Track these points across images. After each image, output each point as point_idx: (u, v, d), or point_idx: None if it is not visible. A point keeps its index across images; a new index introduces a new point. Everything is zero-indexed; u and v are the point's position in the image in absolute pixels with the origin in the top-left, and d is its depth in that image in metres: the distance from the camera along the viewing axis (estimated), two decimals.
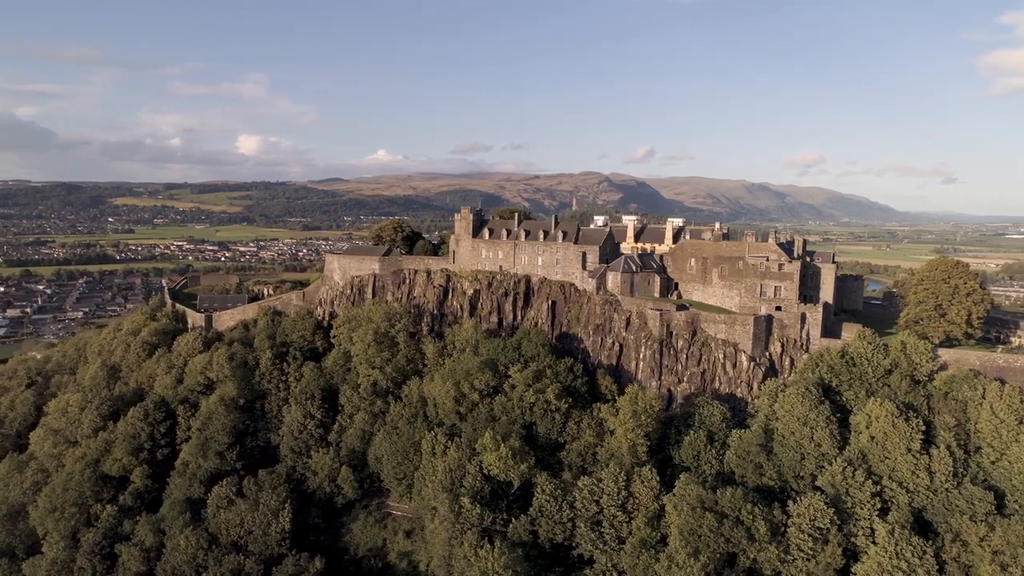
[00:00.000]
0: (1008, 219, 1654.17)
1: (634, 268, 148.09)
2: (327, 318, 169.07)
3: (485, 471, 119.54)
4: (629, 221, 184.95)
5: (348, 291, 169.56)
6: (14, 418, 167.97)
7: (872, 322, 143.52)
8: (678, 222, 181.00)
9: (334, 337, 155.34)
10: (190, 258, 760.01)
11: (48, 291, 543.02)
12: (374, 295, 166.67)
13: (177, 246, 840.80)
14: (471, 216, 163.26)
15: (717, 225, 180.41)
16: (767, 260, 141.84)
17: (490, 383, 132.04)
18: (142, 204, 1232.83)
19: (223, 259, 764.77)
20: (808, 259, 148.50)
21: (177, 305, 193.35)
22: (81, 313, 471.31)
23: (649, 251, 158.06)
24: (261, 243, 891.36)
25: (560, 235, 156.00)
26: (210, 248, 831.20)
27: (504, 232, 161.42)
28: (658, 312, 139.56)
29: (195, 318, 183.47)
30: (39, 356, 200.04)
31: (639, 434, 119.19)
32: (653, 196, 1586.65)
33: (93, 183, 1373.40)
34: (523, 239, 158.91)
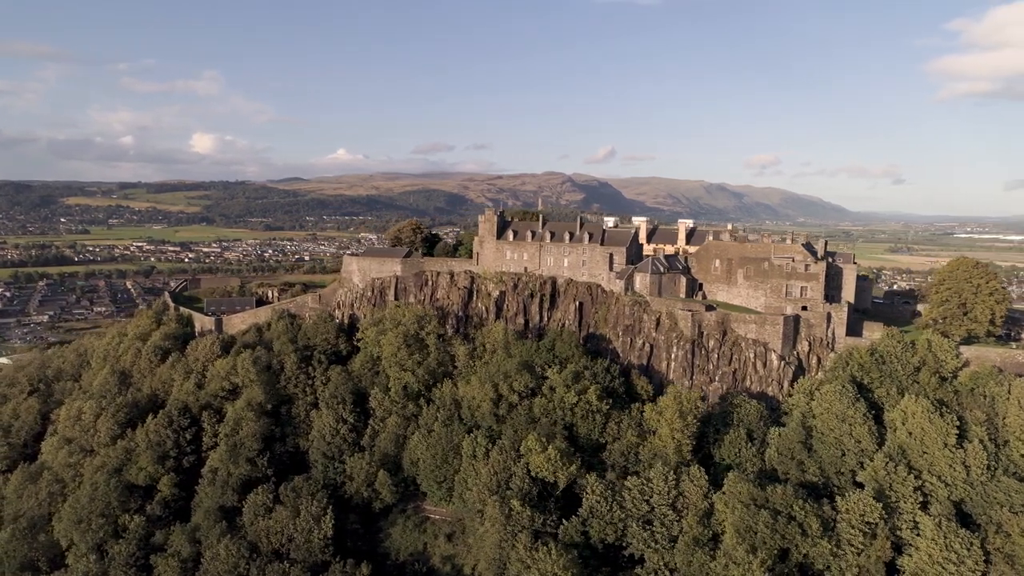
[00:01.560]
0: (954, 219, 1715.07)
1: (662, 269, 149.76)
2: (346, 320, 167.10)
3: (533, 473, 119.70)
4: (641, 222, 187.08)
5: (369, 293, 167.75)
6: (20, 427, 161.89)
7: (883, 320, 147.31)
8: (689, 223, 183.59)
9: (360, 340, 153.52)
10: (152, 259, 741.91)
11: (7, 294, 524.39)
12: (396, 297, 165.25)
13: (137, 247, 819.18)
14: (495, 218, 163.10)
15: (730, 226, 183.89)
16: (793, 261, 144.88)
17: (528, 384, 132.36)
18: (95, 204, 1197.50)
19: (186, 260, 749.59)
20: (830, 260, 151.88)
21: (182, 309, 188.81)
22: (46, 317, 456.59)
23: (674, 253, 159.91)
24: (224, 243, 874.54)
25: (586, 236, 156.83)
26: (172, 249, 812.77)
27: (529, 234, 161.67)
28: (689, 313, 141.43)
29: (204, 322, 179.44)
30: (35, 362, 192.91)
31: (686, 434, 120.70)
32: (615, 196, 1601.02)
33: (42, 182, 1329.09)
34: (548, 241, 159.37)
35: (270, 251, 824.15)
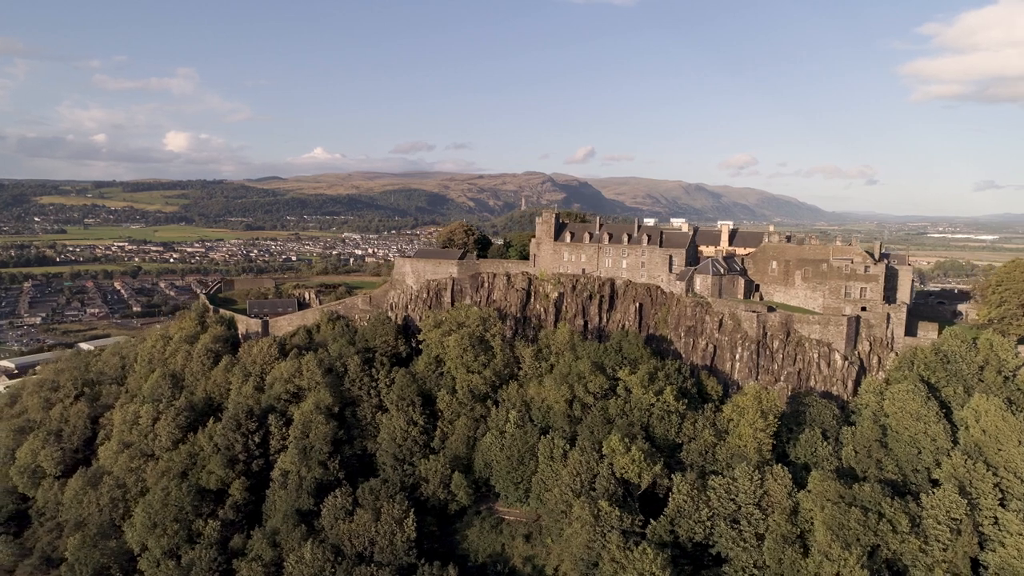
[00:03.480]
0: (926, 219, 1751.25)
1: (721, 271, 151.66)
2: (399, 322, 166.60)
3: (617, 474, 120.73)
4: (682, 223, 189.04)
5: (424, 295, 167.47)
6: (71, 432, 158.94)
7: (925, 319, 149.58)
8: (730, 224, 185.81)
9: (422, 341, 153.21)
10: (136, 260, 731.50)
11: None
12: (453, 299, 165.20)
13: (119, 247, 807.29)
14: (552, 219, 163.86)
15: (771, 227, 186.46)
16: (852, 263, 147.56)
17: (603, 386, 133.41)
18: (70, 203, 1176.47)
19: (172, 260, 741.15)
20: (886, 261, 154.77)
21: (222, 311, 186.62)
22: (39, 319, 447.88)
23: (731, 255, 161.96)
24: (207, 244, 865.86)
25: (645, 238, 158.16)
26: (155, 249, 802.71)
27: (586, 235, 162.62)
28: (754, 314, 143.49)
29: (249, 324, 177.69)
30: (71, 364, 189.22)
31: (767, 433, 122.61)
32: (595, 196, 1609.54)
33: (13, 180, 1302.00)
34: (606, 242, 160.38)
35: (255, 251, 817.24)
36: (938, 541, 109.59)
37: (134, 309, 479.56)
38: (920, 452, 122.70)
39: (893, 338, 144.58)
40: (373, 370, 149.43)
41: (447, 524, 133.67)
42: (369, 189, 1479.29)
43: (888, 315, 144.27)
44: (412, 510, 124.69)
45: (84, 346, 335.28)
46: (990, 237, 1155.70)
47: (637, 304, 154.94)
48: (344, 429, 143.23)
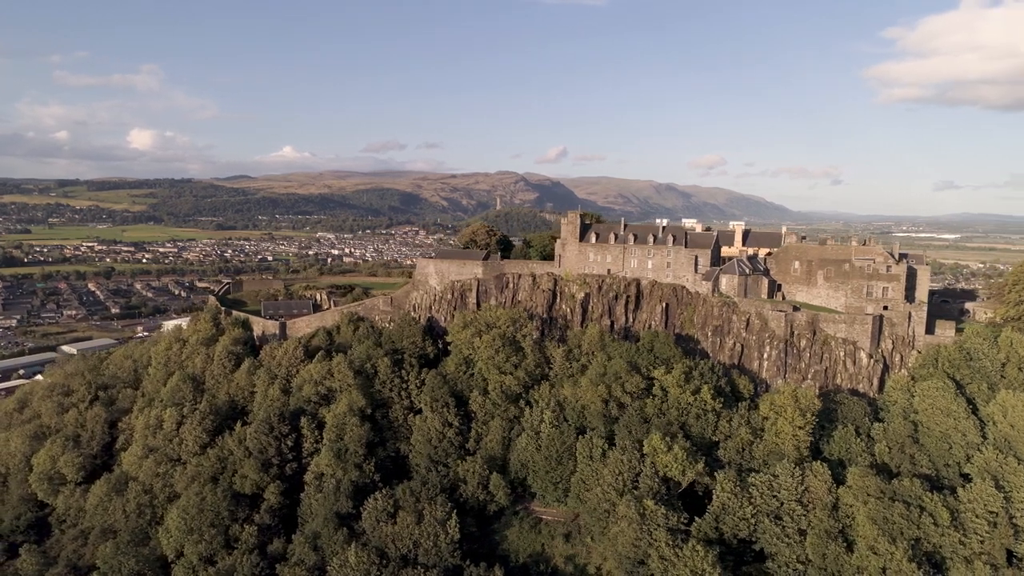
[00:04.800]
0: (889, 218, 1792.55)
1: (747, 271, 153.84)
2: (423, 323, 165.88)
3: (660, 472, 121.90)
4: (694, 224, 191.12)
5: (448, 296, 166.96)
6: (90, 437, 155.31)
7: (934, 318, 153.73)
8: (743, 225, 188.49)
9: (450, 343, 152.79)
10: (107, 260, 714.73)
11: None
12: (478, 300, 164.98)
13: (88, 247, 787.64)
14: (577, 220, 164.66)
15: (784, 228, 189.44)
16: (874, 262, 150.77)
17: (639, 385, 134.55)
18: (32, 202, 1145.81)
19: (144, 261, 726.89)
20: (906, 261, 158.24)
21: (235, 313, 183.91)
22: (15, 321, 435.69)
23: (753, 255, 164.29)
24: (179, 243, 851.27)
25: (670, 239, 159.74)
26: (126, 249, 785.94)
27: (611, 236, 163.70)
28: (782, 313, 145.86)
29: (266, 326, 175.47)
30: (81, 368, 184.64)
31: (806, 431, 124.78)
32: (567, 195, 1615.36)
33: None
34: (632, 243, 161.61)
35: (230, 251, 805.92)
36: (976, 534, 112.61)
37: (112, 311, 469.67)
38: (951, 447, 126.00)
39: (915, 336, 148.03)
40: (403, 372, 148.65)
41: (485, 525, 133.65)
42: (341, 188, 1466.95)
43: (910, 314, 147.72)
44: (454, 511, 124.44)
45: (67, 348, 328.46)
46: (952, 236, 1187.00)
47: (663, 304, 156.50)
48: (376, 431, 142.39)
